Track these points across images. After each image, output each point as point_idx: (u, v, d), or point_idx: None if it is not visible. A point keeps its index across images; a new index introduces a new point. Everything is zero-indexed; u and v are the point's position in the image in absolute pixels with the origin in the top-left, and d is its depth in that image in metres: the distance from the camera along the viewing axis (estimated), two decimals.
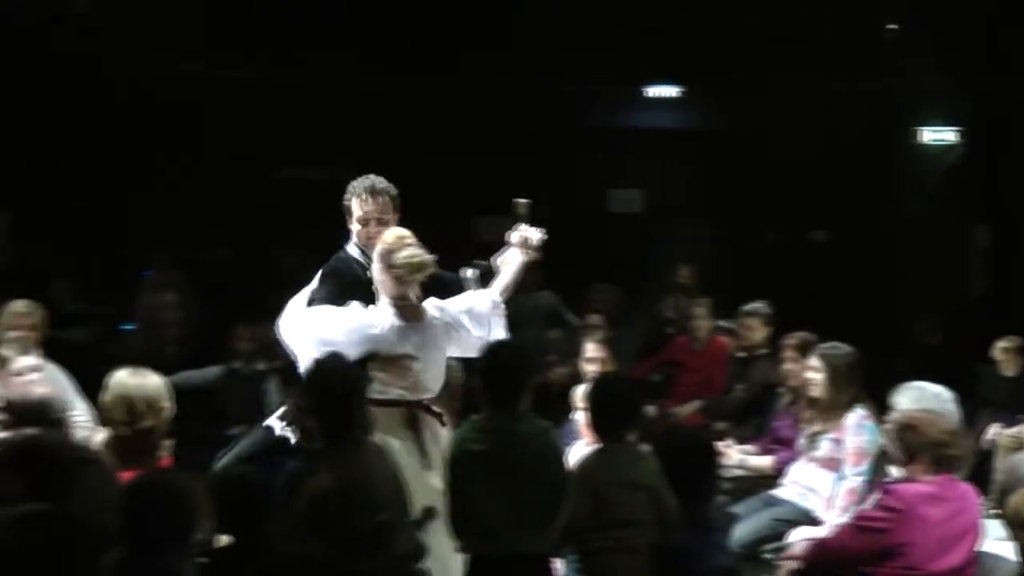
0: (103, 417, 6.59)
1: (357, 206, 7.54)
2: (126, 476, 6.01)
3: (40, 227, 16.50)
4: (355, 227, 7.57)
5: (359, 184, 7.58)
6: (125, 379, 6.46)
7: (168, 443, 6.53)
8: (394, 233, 7.31)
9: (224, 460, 9.26)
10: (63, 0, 15.99)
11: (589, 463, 6.48)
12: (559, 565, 6.63)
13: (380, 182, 7.59)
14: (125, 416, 6.37)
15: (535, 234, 7.76)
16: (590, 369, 9.58)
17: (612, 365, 9.73)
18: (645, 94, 18.48)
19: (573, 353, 10.49)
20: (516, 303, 7.57)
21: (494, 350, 6.76)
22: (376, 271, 7.26)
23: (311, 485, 5.48)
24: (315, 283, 7.45)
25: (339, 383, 6.03)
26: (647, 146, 18.43)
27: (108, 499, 5.67)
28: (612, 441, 6.49)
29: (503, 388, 6.47)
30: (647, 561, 6.03)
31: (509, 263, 7.71)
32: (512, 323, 7.54)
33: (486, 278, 7.69)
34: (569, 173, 17.62)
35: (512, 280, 7.67)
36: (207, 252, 17.18)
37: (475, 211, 16.43)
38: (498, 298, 7.56)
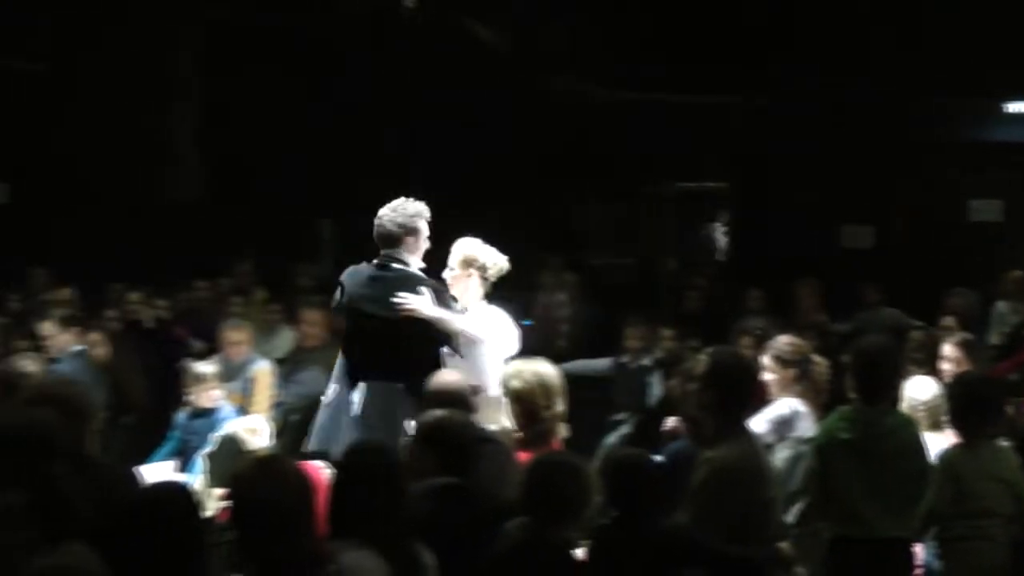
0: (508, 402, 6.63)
1: (426, 227, 7.52)
2: (523, 456, 6.09)
3: (457, 234, 16.90)
4: (423, 245, 7.52)
5: (422, 208, 7.55)
6: (524, 368, 6.49)
7: (562, 427, 6.54)
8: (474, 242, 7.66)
9: (612, 442, 9.29)
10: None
11: (952, 456, 6.37)
12: (919, 550, 6.42)
13: None
14: (530, 401, 6.41)
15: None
16: (947, 369, 9.27)
17: (969, 366, 9.41)
18: (1005, 109, 17.80)
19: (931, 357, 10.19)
20: (860, 320, 7.29)
21: (864, 349, 6.60)
22: (459, 276, 7.58)
23: (712, 459, 5.50)
24: (429, 296, 7.31)
25: (736, 377, 5.94)
26: (1006, 159, 17.77)
27: (508, 475, 5.74)
28: (974, 436, 6.38)
29: (871, 383, 6.34)
30: (1006, 552, 5.84)
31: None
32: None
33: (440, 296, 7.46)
34: (931, 184, 17.11)
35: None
36: (594, 257, 17.32)
37: (842, 220, 16.18)
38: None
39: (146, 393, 9.62)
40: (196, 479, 7.32)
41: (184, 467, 7.79)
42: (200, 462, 7.68)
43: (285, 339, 11.01)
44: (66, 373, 7.68)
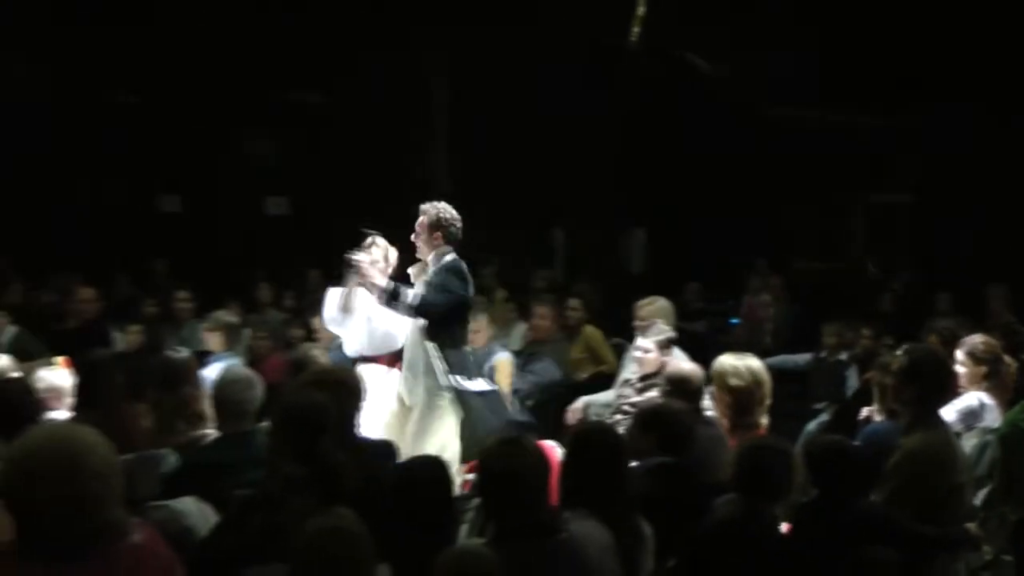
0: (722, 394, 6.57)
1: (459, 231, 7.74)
2: (732, 440, 6.05)
3: (671, 241, 16.83)
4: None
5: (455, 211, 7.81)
6: (740, 366, 6.42)
7: (765, 414, 6.46)
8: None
9: (812, 429, 9.12)
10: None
11: None
12: None
13: None
14: (747, 397, 6.35)
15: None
16: None
17: None
18: None
19: None
20: None
21: None
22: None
23: (907, 446, 5.37)
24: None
25: (933, 372, 5.79)
26: None
27: (720, 456, 5.69)
28: None
29: None
30: None
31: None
32: None
33: None
34: None
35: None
36: (797, 262, 17.10)
37: None
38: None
39: None
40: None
41: None
42: None
43: (519, 333, 11.10)
44: (339, 361, 7.82)
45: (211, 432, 5.90)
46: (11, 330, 11.19)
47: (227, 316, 9.71)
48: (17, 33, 15.63)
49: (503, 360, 9.06)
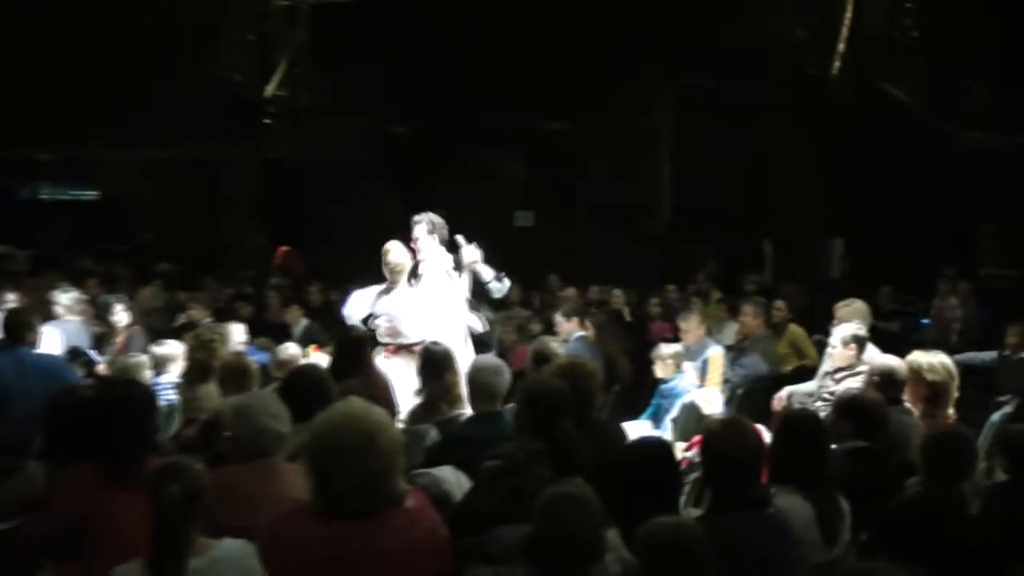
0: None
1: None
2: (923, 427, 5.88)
3: (868, 248, 16.44)
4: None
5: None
6: (935, 362, 6.25)
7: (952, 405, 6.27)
8: None
9: (996, 420, 8.78)
10: None
11: None
12: None
13: None
14: (944, 389, 6.19)
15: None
16: None
17: None
18: None
19: None
20: None
21: None
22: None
23: None
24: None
25: None
26: None
27: (912, 442, 5.54)
28: None
29: None
30: None
31: None
32: None
33: None
34: None
35: None
36: (983, 268, 16.49)
37: None
38: None
39: (629, 368, 9.78)
40: (665, 434, 7.40)
41: (656, 425, 7.88)
42: (668, 422, 7.77)
43: (731, 330, 11.02)
44: (574, 351, 7.90)
45: (466, 412, 6.01)
46: (303, 322, 11.70)
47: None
48: None
49: (715, 354, 8.98)
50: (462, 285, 8.09)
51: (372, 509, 3.46)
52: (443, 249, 8.08)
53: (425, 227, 8.00)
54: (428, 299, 7.89)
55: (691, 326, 9.31)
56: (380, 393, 6.17)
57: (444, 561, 3.65)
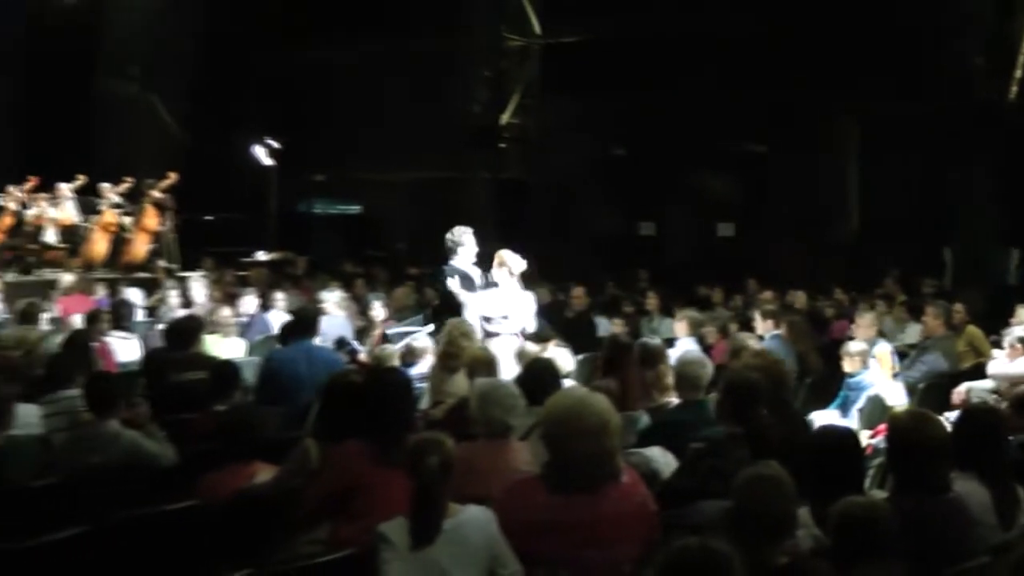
0: None
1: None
2: None
3: None
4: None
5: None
6: None
7: None
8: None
9: None
10: None
11: None
12: None
13: None
14: None
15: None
16: None
17: None
18: None
19: None
20: None
21: None
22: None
23: None
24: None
25: None
26: None
27: None
28: None
29: None
30: None
31: None
32: None
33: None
34: None
35: None
36: None
37: None
38: None
39: (819, 363, 9.55)
40: (852, 423, 7.21)
41: (844, 415, 7.68)
42: (855, 412, 7.56)
43: (914, 331, 10.64)
44: (770, 348, 7.78)
45: (673, 399, 5.98)
46: None
47: (689, 312, 9.83)
48: None
49: (882, 351, 8.67)
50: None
51: (597, 483, 3.52)
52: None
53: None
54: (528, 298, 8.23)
55: (864, 324, 9.06)
56: (632, 393, 6.17)
57: (653, 530, 3.67)
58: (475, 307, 8.02)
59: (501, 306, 8.00)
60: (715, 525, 3.50)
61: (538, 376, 5.50)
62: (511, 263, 8.16)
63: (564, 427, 3.55)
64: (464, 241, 8.48)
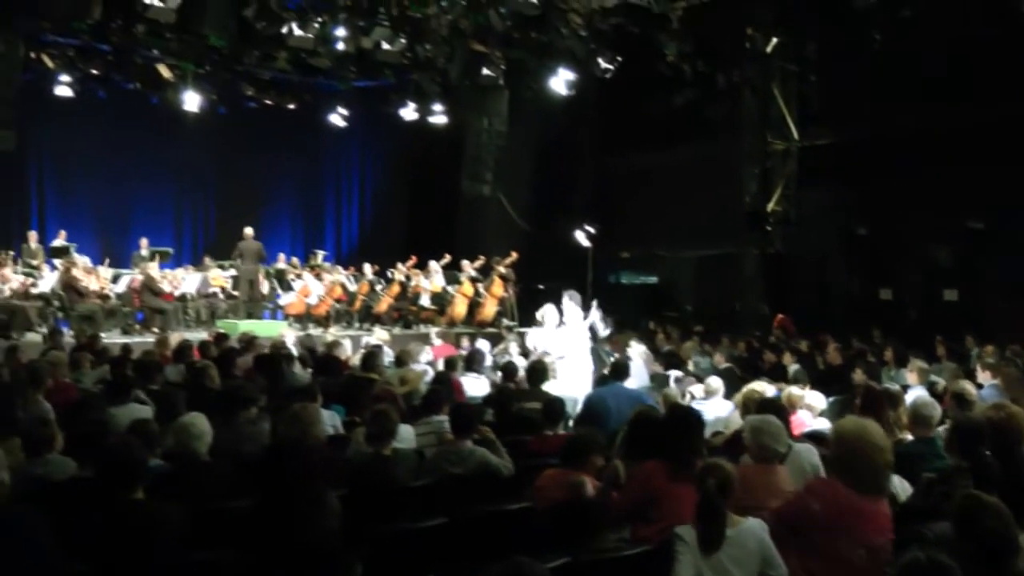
0: None
1: None
2: None
3: None
4: None
5: None
6: None
7: None
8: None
9: None
10: None
11: None
12: None
13: None
14: None
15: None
16: None
17: None
18: None
19: None
20: None
21: None
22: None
23: None
24: None
25: None
26: None
27: None
28: None
29: None
30: None
31: None
32: None
33: None
34: None
35: None
36: None
37: None
38: None
39: None
40: None
41: None
42: None
43: None
44: (986, 396, 7.09)
45: (908, 436, 5.69)
46: (794, 366, 11.35)
47: (919, 363, 9.07)
48: None
49: None
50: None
51: (884, 490, 3.70)
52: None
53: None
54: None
55: None
56: (885, 429, 5.90)
57: (890, 535, 3.69)
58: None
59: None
60: (943, 543, 3.35)
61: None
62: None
63: (862, 441, 3.64)
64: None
